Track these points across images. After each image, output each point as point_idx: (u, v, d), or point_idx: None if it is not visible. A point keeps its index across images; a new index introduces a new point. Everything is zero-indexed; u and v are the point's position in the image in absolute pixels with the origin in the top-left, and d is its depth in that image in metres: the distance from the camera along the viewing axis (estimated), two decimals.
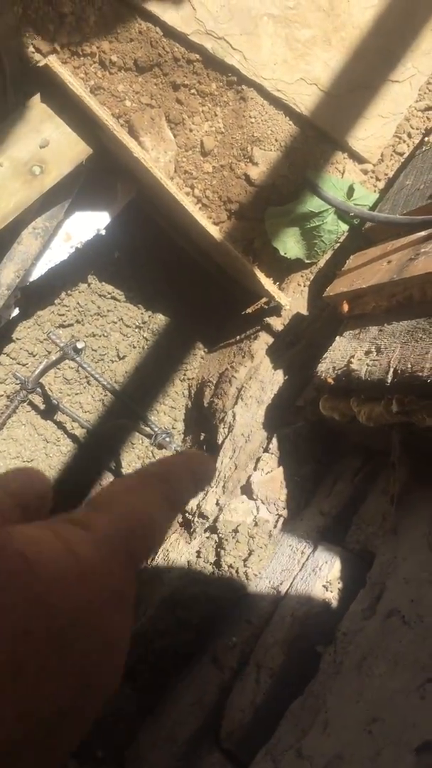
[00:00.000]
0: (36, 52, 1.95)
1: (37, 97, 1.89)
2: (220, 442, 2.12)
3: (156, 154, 2.05)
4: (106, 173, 2.09)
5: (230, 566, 1.80)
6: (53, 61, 1.87)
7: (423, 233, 1.60)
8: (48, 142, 1.88)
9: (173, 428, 2.47)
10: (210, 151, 2.12)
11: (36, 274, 2.09)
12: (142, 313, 2.47)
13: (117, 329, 2.44)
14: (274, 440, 1.94)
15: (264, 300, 2.30)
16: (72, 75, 1.85)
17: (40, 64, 1.88)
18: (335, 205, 1.98)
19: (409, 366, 1.39)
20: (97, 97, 1.98)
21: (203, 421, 2.35)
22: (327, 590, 1.55)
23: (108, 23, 1.96)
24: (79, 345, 2.21)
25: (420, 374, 1.35)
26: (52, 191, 1.95)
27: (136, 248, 2.38)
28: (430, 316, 1.45)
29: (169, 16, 1.94)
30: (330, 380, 1.66)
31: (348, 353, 1.64)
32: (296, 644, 1.53)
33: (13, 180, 1.86)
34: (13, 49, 1.90)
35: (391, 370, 1.44)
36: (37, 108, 1.88)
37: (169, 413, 2.51)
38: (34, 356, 2.37)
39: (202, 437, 2.31)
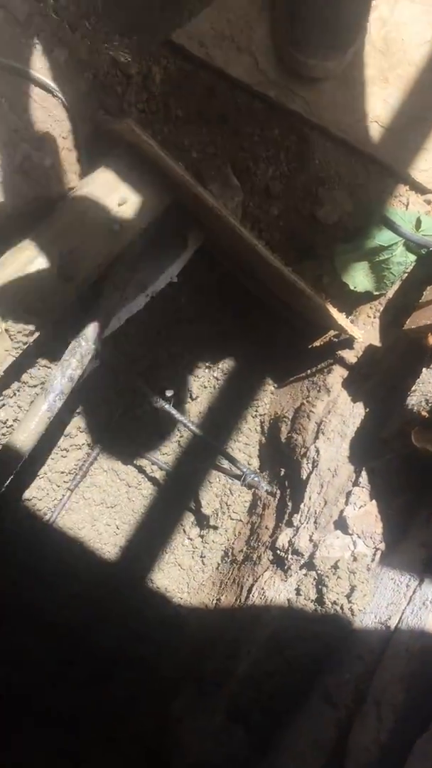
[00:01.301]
0: (107, 114, 2.03)
1: (112, 157, 1.95)
2: (304, 477, 2.15)
3: (224, 201, 2.10)
4: (176, 223, 2.14)
5: (334, 603, 1.81)
6: (124, 122, 1.93)
7: None
8: (125, 200, 1.95)
9: (249, 464, 2.50)
10: (276, 195, 2.17)
11: (115, 325, 2.15)
12: (212, 354, 2.51)
13: (192, 374, 2.49)
14: (363, 473, 1.97)
15: (333, 333, 2.33)
16: (143, 133, 1.91)
17: (113, 125, 1.95)
18: (408, 238, 2.01)
19: None
20: (166, 151, 2.04)
21: (281, 457, 2.38)
22: None
23: (173, 80, 2.03)
24: (168, 393, 2.25)
25: None
26: (129, 246, 2.01)
27: (203, 293, 2.44)
28: None
29: (234, 69, 2.01)
30: (424, 413, 1.68)
31: None
32: (415, 680, 1.54)
33: (95, 239, 1.92)
34: (86, 113, 1.98)
35: None
36: (113, 168, 1.95)
37: (243, 450, 2.54)
38: (108, 404, 2.42)
39: (282, 473, 2.34)
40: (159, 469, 2.51)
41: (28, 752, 2.07)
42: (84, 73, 1.95)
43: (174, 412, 2.22)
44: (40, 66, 1.82)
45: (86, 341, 2.02)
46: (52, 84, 1.82)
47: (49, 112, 1.86)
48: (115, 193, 1.95)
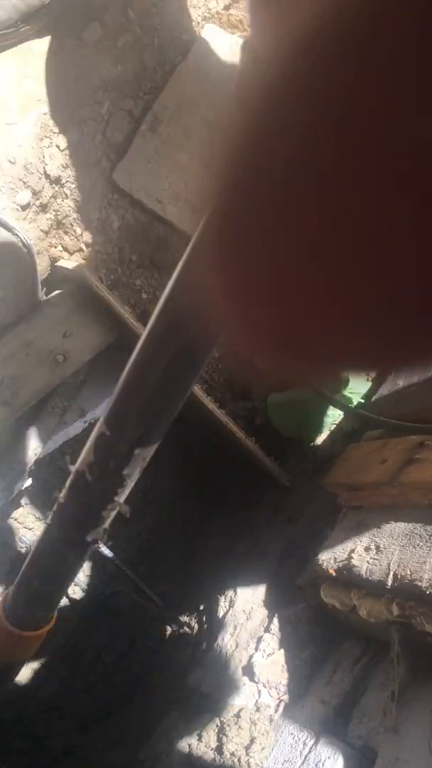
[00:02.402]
0: (64, 251, 2.16)
1: (63, 293, 2.07)
2: (220, 616, 2.17)
3: None
4: (119, 354, 2.24)
5: (232, 754, 1.81)
6: (81, 264, 2.06)
7: (416, 438, 1.75)
8: (71, 333, 2.05)
9: (172, 594, 2.51)
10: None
11: (50, 447, 2.21)
12: (147, 484, 2.57)
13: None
14: (275, 620, 2.00)
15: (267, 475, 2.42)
16: (96, 279, 2.04)
17: (69, 265, 2.08)
18: (337, 406, 2.14)
19: (409, 572, 1.49)
20: (116, 291, 2.17)
21: (203, 590, 2.40)
22: None
23: (130, 228, 2.19)
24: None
25: (419, 583, 1.45)
26: (72, 375, 2.10)
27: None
28: (426, 522, 1.57)
29: (186, 225, 2.17)
30: (332, 571, 1.75)
31: (348, 547, 1.74)
32: None
33: (37, 368, 2.01)
34: (44, 250, 2.11)
35: (391, 573, 1.54)
36: (63, 302, 2.06)
37: (168, 579, 2.56)
38: (41, 521, 2.44)
39: (201, 608, 2.36)
40: (81, 590, 2.51)
41: None
42: (46, 214, 2.09)
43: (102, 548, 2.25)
44: (2, 206, 1.95)
45: (18, 463, 2.07)
46: (12, 224, 1.95)
47: (8, 249, 1.98)
48: (61, 326, 2.06)
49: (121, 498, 1.05)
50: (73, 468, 1.06)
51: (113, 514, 1.08)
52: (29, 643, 1.31)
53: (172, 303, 0.87)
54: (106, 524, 1.10)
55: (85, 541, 1.10)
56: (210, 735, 1.87)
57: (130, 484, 1.04)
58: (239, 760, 1.79)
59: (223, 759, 1.81)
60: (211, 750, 1.85)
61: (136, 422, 1.00)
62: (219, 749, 1.83)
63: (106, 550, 2.27)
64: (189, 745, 1.90)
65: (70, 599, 2.50)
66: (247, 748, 1.81)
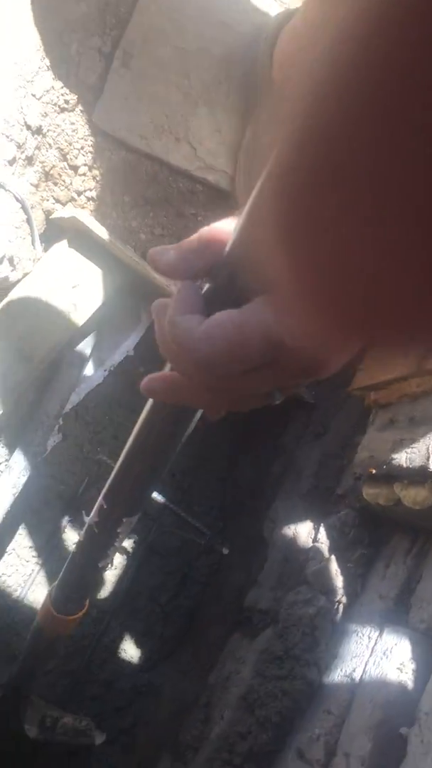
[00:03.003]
0: (57, 202, 2.15)
1: (63, 244, 2.07)
2: (266, 536, 2.21)
3: (171, 280, 2.22)
4: (129, 300, 2.25)
5: (298, 658, 1.86)
6: (74, 210, 2.06)
7: None
8: (78, 283, 2.05)
9: (213, 525, 2.55)
10: None
11: (75, 400, 2.23)
12: None
13: None
14: (321, 530, 2.04)
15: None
16: (92, 221, 2.03)
17: (63, 214, 2.07)
18: None
19: None
20: (114, 235, 2.17)
21: (245, 517, 2.45)
22: (401, 672, 1.62)
23: (118, 169, 2.17)
24: None
25: None
26: (85, 325, 2.11)
27: (158, 362, 2.53)
28: None
29: (173, 157, 2.15)
30: (371, 470, 1.78)
31: (384, 443, 1.77)
32: (381, 730, 1.59)
33: (51, 322, 2.02)
34: (36, 203, 2.10)
35: (431, 456, 1.56)
36: (65, 253, 2.06)
37: (208, 513, 2.60)
38: (75, 474, 2.48)
39: (245, 534, 2.40)
40: (126, 538, 2.55)
41: None
42: (34, 166, 2.07)
43: None
44: None
45: (47, 417, 2.09)
46: (1, 180, 1.94)
47: (1, 206, 1.97)
48: (67, 277, 2.06)
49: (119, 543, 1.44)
50: (87, 520, 1.41)
51: (112, 554, 1.48)
52: (70, 623, 1.72)
53: None
54: (110, 558, 1.51)
55: (97, 567, 1.53)
56: (275, 645, 1.92)
57: (125, 536, 1.41)
58: (307, 663, 1.85)
59: (292, 665, 1.87)
60: (278, 659, 1.90)
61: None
62: (286, 656, 1.88)
63: (155, 493, 2.32)
64: (256, 660, 1.95)
65: (120, 549, 2.54)
66: (313, 650, 1.86)
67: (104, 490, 1.34)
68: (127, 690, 2.40)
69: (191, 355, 0.56)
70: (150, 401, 1.08)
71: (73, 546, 1.59)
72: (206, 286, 0.67)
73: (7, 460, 2.16)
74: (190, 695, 2.14)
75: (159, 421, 1.04)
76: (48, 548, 2.43)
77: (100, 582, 2.26)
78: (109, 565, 1.54)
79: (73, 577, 1.61)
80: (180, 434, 1.08)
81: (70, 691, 2.37)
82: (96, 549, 1.46)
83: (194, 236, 0.65)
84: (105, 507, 1.32)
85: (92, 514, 1.41)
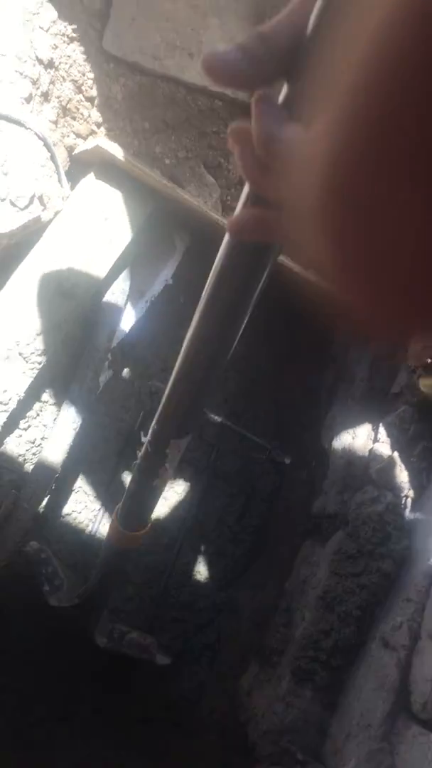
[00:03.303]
0: (77, 137, 2.14)
1: (90, 178, 2.06)
2: (326, 445, 2.23)
3: (203, 200, 2.20)
4: (162, 227, 2.24)
5: (371, 553, 1.89)
6: (96, 140, 2.04)
7: None
8: (109, 216, 2.05)
9: (270, 440, 2.57)
10: None
11: (120, 334, 2.25)
12: None
13: None
14: (381, 429, 2.05)
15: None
16: (115, 147, 2.01)
17: (86, 146, 2.06)
18: None
19: None
20: (139, 161, 2.15)
21: (300, 429, 2.46)
22: None
23: (135, 95, 2.14)
24: None
25: None
26: (121, 257, 2.11)
27: (198, 291, 2.53)
28: None
29: (188, 74, 2.12)
30: (427, 360, 1.77)
31: None
32: None
33: (87, 257, 2.03)
34: (57, 140, 2.09)
35: None
36: (93, 186, 2.05)
37: (262, 426, 2.62)
38: (129, 410, 2.52)
39: (303, 444, 2.42)
40: (187, 465, 2.59)
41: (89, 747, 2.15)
42: (50, 102, 2.06)
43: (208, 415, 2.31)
44: (7, 103, 1.93)
45: (96, 351, 2.12)
46: (21, 117, 1.93)
47: (24, 145, 1.97)
48: (98, 210, 2.06)
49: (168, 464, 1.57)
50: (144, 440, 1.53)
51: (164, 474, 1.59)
52: (136, 538, 1.84)
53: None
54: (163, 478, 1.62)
55: (152, 486, 1.65)
56: (347, 544, 1.95)
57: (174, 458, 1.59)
58: (381, 556, 1.88)
59: (366, 560, 1.90)
60: (352, 558, 1.93)
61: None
62: (360, 553, 1.91)
63: (211, 416, 2.35)
64: (331, 561, 1.99)
65: (182, 476, 2.59)
66: (385, 544, 1.89)
67: (156, 414, 1.44)
68: (207, 609, 2.48)
69: (306, 166, 0.43)
70: (190, 333, 1.10)
71: (133, 469, 1.69)
72: (284, 90, 0.57)
73: (59, 401, 2.19)
74: (269, 604, 2.20)
75: (207, 335, 1.07)
76: (114, 484, 2.48)
77: (158, 501, 2.33)
78: (168, 481, 1.69)
79: (134, 496, 1.74)
80: (226, 347, 1.10)
81: (152, 616, 2.45)
82: (150, 468, 1.58)
83: (255, 32, 0.51)
84: (156, 428, 1.45)
85: (148, 435, 1.53)
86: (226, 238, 0.90)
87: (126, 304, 2.22)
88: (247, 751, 1.88)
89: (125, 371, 2.46)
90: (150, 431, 1.50)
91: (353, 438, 2.11)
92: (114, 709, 2.33)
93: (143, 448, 1.58)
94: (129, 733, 2.29)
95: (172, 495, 2.55)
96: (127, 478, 2.54)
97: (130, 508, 1.78)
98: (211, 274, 0.98)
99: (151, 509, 1.88)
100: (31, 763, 2.03)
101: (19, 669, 2.26)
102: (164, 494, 2.29)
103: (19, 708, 2.23)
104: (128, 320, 2.28)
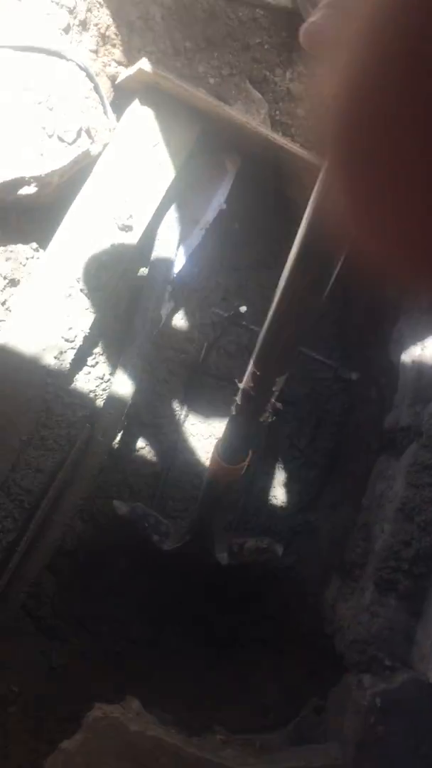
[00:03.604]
0: (118, 65, 2.10)
1: (135, 105, 2.02)
2: (394, 360, 2.19)
3: (250, 116, 2.14)
4: (211, 150, 2.19)
5: None
6: (139, 68, 1.99)
7: None
8: (158, 141, 2.02)
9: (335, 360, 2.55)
10: (299, 96, 2.19)
11: (178, 264, 2.24)
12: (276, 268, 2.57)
13: (259, 295, 2.56)
14: None
15: None
16: (158, 68, 1.96)
17: (128, 73, 2.02)
18: None
19: None
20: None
21: (366, 346, 2.43)
22: None
23: (174, 14, 2.08)
24: (242, 309, 2.32)
25: None
26: (173, 184, 2.08)
27: (252, 215, 2.48)
28: None
29: None
30: None
31: None
32: None
33: (139, 185, 2.01)
34: (99, 69, 2.05)
35: None
36: (138, 113, 2.02)
37: (326, 347, 2.59)
38: (193, 342, 2.52)
39: (370, 360, 2.39)
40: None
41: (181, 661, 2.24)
42: (88, 31, 2.02)
43: (252, 326, 2.30)
44: (47, 35, 1.90)
45: (155, 282, 2.12)
46: (61, 49, 1.90)
47: (67, 77, 1.94)
48: (146, 137, 2.02)
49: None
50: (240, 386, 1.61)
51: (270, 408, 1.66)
52: (238, 471, 1.96)
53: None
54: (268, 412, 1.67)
55: (258, 422, 1.71)
56: (423, 455, 1.93)
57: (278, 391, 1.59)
58: None
59: None
60: (425, 451, 1.91)
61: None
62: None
63: None
64: (407, 473, 1.98)
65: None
66: None
67: (254, 358, 1.49)
68: (285, 531, 2.51)
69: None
70: (289, 266, 1.13)
71: (232, 408, 1.77)
72: None
73: (123, 335, 2.20)
74: (346, 522, 2.21)
75: (305, 274, 1.11)
76: (182, 416, 2.51)
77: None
78: (269, 418, 1.72)
79: (237, 433, 1.84)
80: (324, 282, 1.13)
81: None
82: (255, 408, 1.66)
83: None
84: (258, 373, 1.50)
85: (245, 380, 1.60)
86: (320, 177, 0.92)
87: (181, 232, 2.20)
88: (335, 662, 1.92)
89: (185, 303, 2.46)
90: (249, 375, 1.56)
91: (422, 349, 2.07)
92: (203, 632, 2.42)
93: (242, 391, 1.64)
94: (219, 653, 2.38)
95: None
96: (194, 409, 2.57)
97: (233, 444, 1.88)
98: (305, 218, 1.01)
99: (252, 443, 1.94)
100: (126, 684, 2.13)
101: (115, 599, 2.36)
102: None
103: (113, 634, 2.33)
104: (185, 250, 2.26)
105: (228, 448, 1.89)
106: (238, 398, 1.70)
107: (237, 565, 2.20)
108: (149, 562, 2.27)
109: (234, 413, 1.77)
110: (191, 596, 2.32)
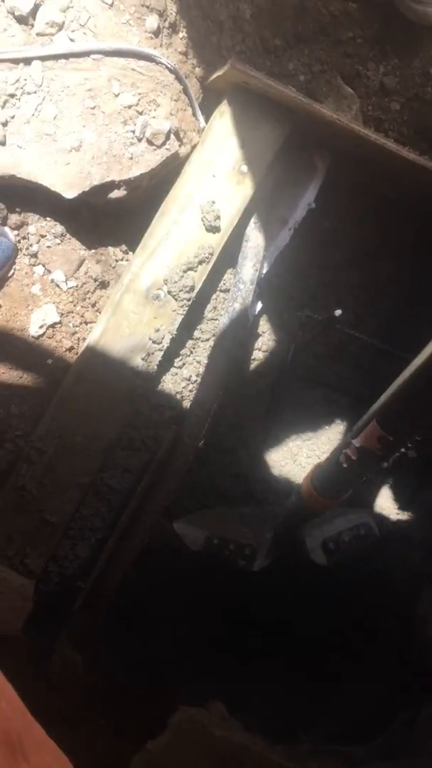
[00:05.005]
0: (207, 66, 2.09)
1: (224, 106, 2.01)
2: None
3: (342, 113, 2.09)
4: (301, 149, 2.15)
5: None
6: (227, 67, 1.97)
7: None
8: (245, 142, 2.00)
9: None
10: (393, 90, 2.12)
11: (267, 265, 2.22)
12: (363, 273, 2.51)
13: (349, 296, 2.51)
14: None
15: None
16: (246, 67, 1.93)
17: (218, 73, 2.00)
18: None
19: None
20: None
21: None
22: None
23: (262, 10, 2.05)
24: (337, 312, 2.26)
25: None
26: (261, 183, 2.06)
27: (343, 215, 2.43)
28: None
29: None
30: None
31: None
32: None
33: (228, 186, 1.99)
34: (189, 71, 2.05)
35: None
36: (226, 114, 2.00)
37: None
38: (281, 343, 2.49)
39: None
40: (343, 394, 2.55)
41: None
42: (178, 34, 2.02)
43: (348, 330, 2.25)
44: (136, 39, 1.91)
45: (243, 284, 2.10)
46: (152, 52, 1.90)
47: (156, 80, 1.95)
48: (233, 138, 2.01)
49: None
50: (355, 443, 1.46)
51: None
52: (328, 505, 1.85)
53: None
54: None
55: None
56: None
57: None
58: None
59: None
60: None
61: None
62: None
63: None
64: None
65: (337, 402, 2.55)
66: None
67: (374, 413, 1.34)
68: (376, 537, 2.45)
69: None
70: None
71: (341, 458, 1.63)
72: None
73: (213, 335, 2.20)
74: None
75: None
76: (269, 418, 2.49)
77: None
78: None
79: (344, 479, 1.73)
80: None
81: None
82: (370, 466, 1.55)
83: None
84: (390, 439, 1.35)
85: (363, 441, 1.44)
86: None
87: (269, 232, 2.18)
88: (427, 676, 1.86)
89: (273, 303, 2.43)
90: (373, 436, 1.41)
91: None
92: (291, 641, 2.39)
93: (360, 450, 1.50)
94: (307, 662, 2.33)
95: None
96: (282, 415, 2.54)
97: (337, 486, 1.77)
98: None
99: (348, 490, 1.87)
100: (211, 688, 2.12)
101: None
102: None
103: (194, 640, 2.33)
104: (273, 250, 2.23)
105: (329, 488, 1.79)
106: (351, 453, 1.55)
107: (337, 561, 2.14)
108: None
109: (345, 466, 1.62)
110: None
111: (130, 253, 2.11)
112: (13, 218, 1.88)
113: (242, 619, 2.35)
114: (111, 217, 2.08)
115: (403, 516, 2.42)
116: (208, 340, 2.19)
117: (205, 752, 1.63)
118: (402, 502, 2.46)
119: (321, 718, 1.99)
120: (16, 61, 1.77)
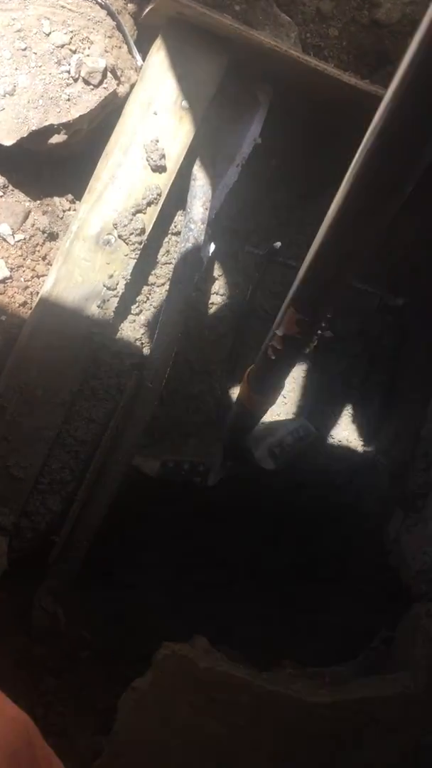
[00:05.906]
0: (141, 1, 2.03)
1: (159, 40, 1.96)
2: None
3: (280, 42, 2.05)
4: (242, 81, 2.11)
5: None
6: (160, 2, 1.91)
7: None
8: (183, 75, 1.95)
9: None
10: (329, 15, 2.09)
11: (216, 204, 2.18)
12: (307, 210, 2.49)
13: (301, 232, 2.49)
14: None
15: None
16: (180, 2, 1.88)
17: (150, 7, 1.94)
18: None
19: None
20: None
21: None
22: None
23: None
24: (277, 245, 2.25)
25: None
26: (205, 119, 2.02)
27: (289, 148, 2.40)
28: None
29: None
30: None
31: None
32: None
33: (171, 122, 1.95)
34: (121, 8, 1.99)
35: None
36: (163, 48, 1.95)
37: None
38: (237, 285, 2.48)
39: None
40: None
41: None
42: None
43: (290, 261, 2.25)
44: None
45: (194, 223, 2.07)
46: None
47: (88, 16, 1.89)
48: (172, 73, 1.96)
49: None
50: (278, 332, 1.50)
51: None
52: (264, 402, 1.94)
53: None
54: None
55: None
56: None
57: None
58: None
59: None
60: None
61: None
62: None
63: None
64: None
65: None
66: None
67: (295, 299, 1.37)
68: (344, 470, 2.48)
69: None
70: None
71: (269, 351, 1.69)
72: None
73: (168, 279, 2.17)
74: (406, 455, 2.17)
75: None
76: (232, 359, 2.48)
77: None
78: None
79: (277, 374, 1.82)
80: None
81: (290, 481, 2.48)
82: (299, 350, 1.62)
83: None
84: (306, 320, 1.40)
85: (285, 326, 1.49)
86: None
87: (217, 170, 2.14)
88: (400, 594, 1.90)
89: (226, 245, 2.41)
90: (292, 321, 1.45)
91: None
92: (265, 573, 2.42)
93: (283, 338, 1.55)
94: (284, 593, 2.38)
95: None
96: (244, 354, 2.53)
97: (272, 383, 1.85)
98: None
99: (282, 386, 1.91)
100: (184, 629, 2.15)
101: (172, 546, 2.38)
102: None
103: (172, 582, 2.36)
104: (222, 188, 2.20)
105: (266, 387, 1.87)
106: (276, 344, 1.61)
107: (283, 463, 2.21)
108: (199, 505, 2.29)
109: (273, 358, 1.69)
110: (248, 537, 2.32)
111: (77, 202, 2.06)
112: None
113: (215, 553, 2.37)
114: (55, 166, 2.03)
115: (370, 447, 2.45)
116: (163, 284, 2.17)
117: (191, 684, 1.66)
118: (368, 433, 2.49)
119: (302, 644, 2.04)
120: None
